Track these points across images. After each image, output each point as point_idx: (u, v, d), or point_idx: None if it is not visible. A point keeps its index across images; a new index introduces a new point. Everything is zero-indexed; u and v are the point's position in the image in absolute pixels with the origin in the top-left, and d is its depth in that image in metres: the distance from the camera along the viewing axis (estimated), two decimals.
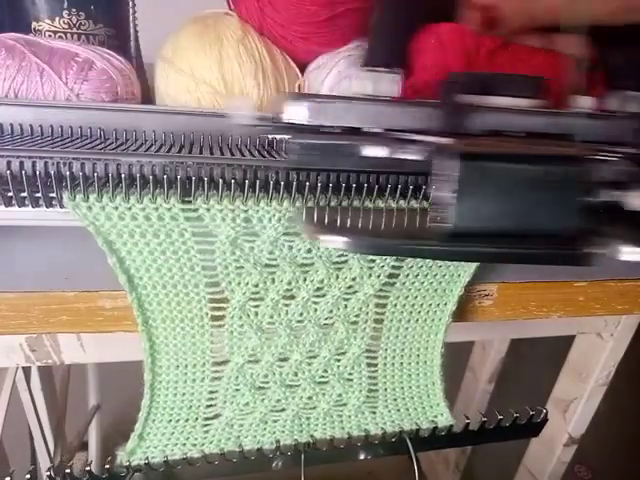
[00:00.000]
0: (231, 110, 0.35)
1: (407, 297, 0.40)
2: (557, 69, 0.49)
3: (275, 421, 0.42)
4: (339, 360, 0.41)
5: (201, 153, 0.38)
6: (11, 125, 0.39)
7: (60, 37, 0.51)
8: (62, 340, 0.48)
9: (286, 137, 0.33)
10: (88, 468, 0.39)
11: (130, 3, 0.55)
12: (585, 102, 0.42)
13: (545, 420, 0.48)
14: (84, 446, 1.10)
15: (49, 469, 0.39)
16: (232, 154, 0.38)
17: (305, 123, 0.32)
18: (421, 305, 0.40)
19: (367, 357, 0.42)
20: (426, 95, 0.53)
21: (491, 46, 0.50)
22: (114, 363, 0.49)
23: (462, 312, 0.44)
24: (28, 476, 0.39)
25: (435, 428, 0.45)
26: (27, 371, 0.79)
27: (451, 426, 0.45)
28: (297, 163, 0.33)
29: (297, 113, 0.32)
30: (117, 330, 0.38)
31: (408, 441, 0.44)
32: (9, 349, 0.47)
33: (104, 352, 0.50)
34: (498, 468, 1.02)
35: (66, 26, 0.51)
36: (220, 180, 0.31)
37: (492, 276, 0.43)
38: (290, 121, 0.32)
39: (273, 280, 0.36)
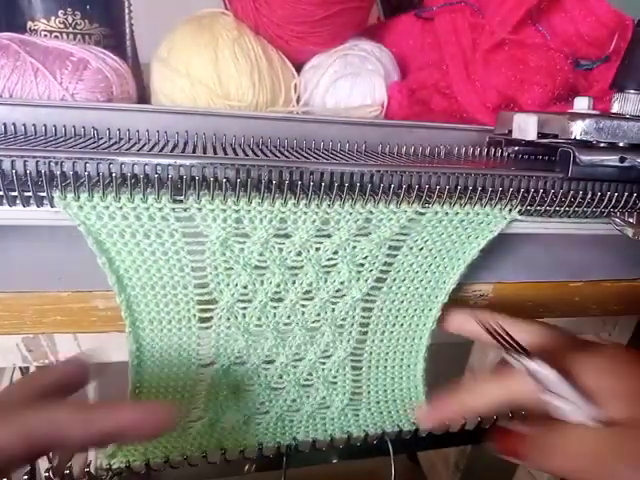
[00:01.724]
0: (516, 126, 0.41)
1: (393, 301, 0.40)
2: (553, 68, 0.49)
3: (258, 423, 0.42)
4: (324, 363, 0.41)
5: (194, 152, 0.38)
6: (4, 125, 0.39)
7: (56, 37, 0.51)
8: (59, 340, 0.48)
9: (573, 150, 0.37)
10: (67, 472, 0.39)
11: (126, 3, 0.54)
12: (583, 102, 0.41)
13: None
14: None
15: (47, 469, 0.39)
16: (225, 153, 0.38)
17: (587, 139, 0.37)
18: (406, 310, 0.40)
19: (352, 360, 0.42)
20: (422, 95, 0.53)
21: (488, 46, 0.50)
22: (113, 363, 0.49)
23: None
24: (26, 477, 0.39)
25: (417, 430, 0.44)
26: (25, 372, 0.79)
27: None
28: (581, 174, 0.37)
29: (582, 131, 0.37)
30: (111, 330, 0.38)
31: (389, 443, 0.44)
32: (6, 349, 0.47)
33: (101, 352, 0.50)
34: (498, 468, 1.02)
35: (62, 26, 0.51)
36: (212, 179, 0.31)
37: (488, 276, 0.43)
38: (577, 138, 0.37)
39: (262, 282, 0.36)
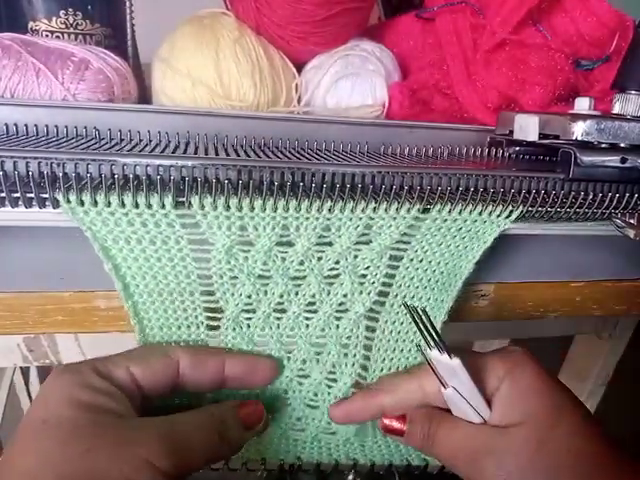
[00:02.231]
0: (517, 126, 0.41)
1: (394, 322, 0.39)
2: (554, 68, 0.49)
3: (262, 437, 0.41)
4: (330, 387, 0.40)
5: (196, 153, 0.38)
6: (6, 125, 0.39)
7: (57, 37, 0.51)
8: (60, 340, 0.48)
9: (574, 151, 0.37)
10: None
11: (127, 3, 0.55)
12: (584, 103, 0.41)
13: None
14: None
15: None
16: (227, 154, 0.38)
17: (589, 140, 0.37)
18: (406, 333, 0.40)
19: (357, 389, 0.40)
20: (423, 95, 0.53)
21: (488, 46, 0.50)
22: None
23: (458, 312, 0.44)
24: None
25: (426, 466, 0.42)
26: (26, 372, 0.79)
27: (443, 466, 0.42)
28: (582, 175, 0.37)
29: (583, 131, 0.37)
30: (112, 330, 0.38)
31: (397, 476, 0.43)
32: (7, 349, 0.48)
33: (102, 352, 0.50)
34: None
35: (63, 26, 0.51)
36: (214, 180, 0.31)
37: (488, 276, 0.43)
38: (578, 139, 0.37)
39: (265, 292, 0.36)
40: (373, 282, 0.37)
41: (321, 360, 0.39)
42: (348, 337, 0.39)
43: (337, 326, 0.38)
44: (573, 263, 0.46)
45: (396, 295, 0.38)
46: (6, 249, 0.36)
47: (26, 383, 0.79)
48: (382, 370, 0.41)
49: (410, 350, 0.40)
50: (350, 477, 0.44)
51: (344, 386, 0.40)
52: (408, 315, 0.33)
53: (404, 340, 0.40)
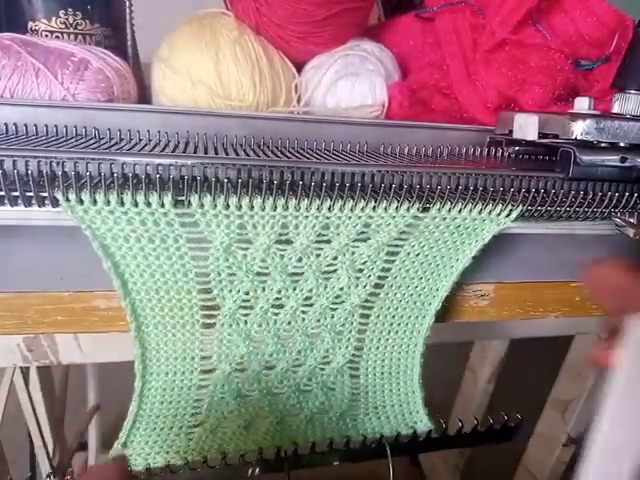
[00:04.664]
0: (517, 126, 0.41)
1: (389, 308, 0.40)
2: (554, 68, 0.49)
3: (258, 428, 0.42)
4: (323, 369, 0.41)
5: (195, 152, 0.38)
6: (6, 125, 0.39)
7: (57, 37, 0.51)
8: (59, 340, 0.48)
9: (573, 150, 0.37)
10: (68, 477, 0.39)
11: (127, 3, 0.54)
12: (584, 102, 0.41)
13: (519, 425, 0.48)
14: (83, 446, 1.10)
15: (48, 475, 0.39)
16: (226, 153, 0.38)
17: (588, 139, 0.37)
18: (401, 317, 0.41)
19: (350, 367, 0.42)
20: (423, 95, 0.53)
21: (488, 46, 0.50)
22: (113, 363, 0.49)
23: (458, 312, 0.44)
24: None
25: (414, 433, 0.44)
26: (25, 372, 0.79)
27: (429, 431, 0.45)
28: (582, 174, 0.37)
29: (583, 131, 0.37)
30: (111, 330, 0.38)
31: (387, 447, 0.44)
32: (6, 349, 0.47)
33: (102, 352, 0.50)
34: (498, 468, 1.02)
35: (63, 26, 0.51)
36: (213, 179, 0.31)
37: (488, 276, 0.43)
38: (578, 138, 0.37)
39: (264, 289, 0.37)
40: (369, 276, 0.38)
41: (315, 348, 0.40)
42: (342, 325, 0.40)
43: (332, 316, 0.39)
44: (572, 263, 0.46)
45: (391, 285, 0.39)
46: (6, 249, 0.36)
47: (26, 383, 0.78)
48: (378, 348, 0.42)
49: (405, 332, 0.42)
50: None
51: (337, 365, 0.41)
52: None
53: (399, 323, 0.41)
